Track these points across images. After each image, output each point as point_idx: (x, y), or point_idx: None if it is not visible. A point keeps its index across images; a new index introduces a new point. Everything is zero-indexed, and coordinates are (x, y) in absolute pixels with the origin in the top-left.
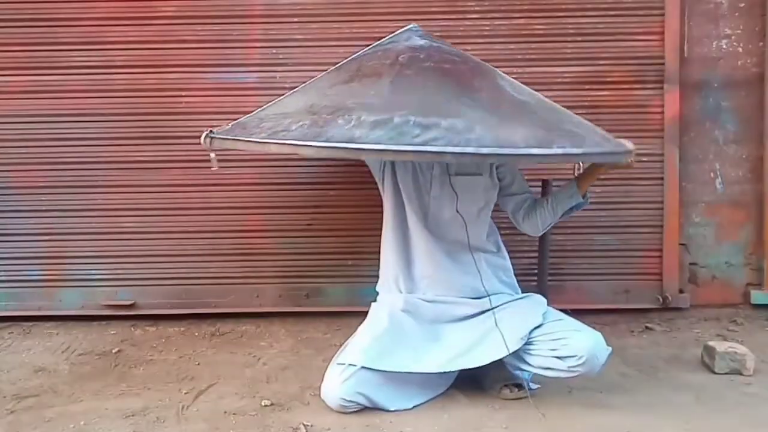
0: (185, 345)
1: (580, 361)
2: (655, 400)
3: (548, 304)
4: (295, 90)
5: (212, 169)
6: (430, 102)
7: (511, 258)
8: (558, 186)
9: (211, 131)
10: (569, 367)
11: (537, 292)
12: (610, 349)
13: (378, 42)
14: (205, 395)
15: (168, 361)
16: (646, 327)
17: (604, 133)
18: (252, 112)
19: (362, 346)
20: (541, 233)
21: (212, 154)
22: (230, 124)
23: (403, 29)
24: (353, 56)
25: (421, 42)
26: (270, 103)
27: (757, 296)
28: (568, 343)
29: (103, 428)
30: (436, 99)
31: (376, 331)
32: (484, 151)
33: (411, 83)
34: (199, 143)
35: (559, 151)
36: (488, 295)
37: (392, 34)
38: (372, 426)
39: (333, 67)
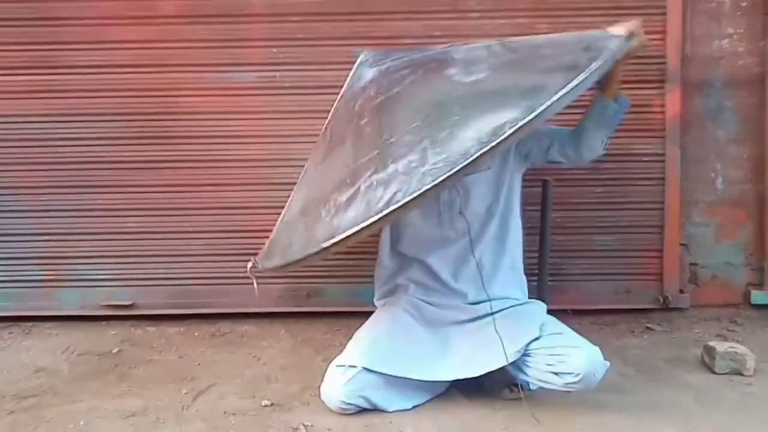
0: (185, 345)
1: (577, 378)
2: (656, 401)
3: (549, 305)
4: (300, 180)
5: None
6: (390, 147)
7: None
8: (557, 186)
9: (254, 262)
10: (566, 383)
11: (537, 293)
12: (608, 364)
13: (342, 90)
14: (205, 395)
15: (168, 362)
16: (647, 327)
17: (588, 40)
18: (252, 112)
19: (363, 347)
20: (603, 149)
21: (255, 283)
22: (267, 245)
23: (356, 64)
24: (329, 117)
25: (370, 73)
26: (289, 203)
27: (758, 296)
28: (566, 360)
29: (103, 428)
30: (395, 138)
31: (377, 332)
32: (459, 165)
33: (367, 136)
34: (200, 143)
35: (559, 94)
36: (489, 300)
37: (350, 74)
38: (372, 426)
39: (319, 135)
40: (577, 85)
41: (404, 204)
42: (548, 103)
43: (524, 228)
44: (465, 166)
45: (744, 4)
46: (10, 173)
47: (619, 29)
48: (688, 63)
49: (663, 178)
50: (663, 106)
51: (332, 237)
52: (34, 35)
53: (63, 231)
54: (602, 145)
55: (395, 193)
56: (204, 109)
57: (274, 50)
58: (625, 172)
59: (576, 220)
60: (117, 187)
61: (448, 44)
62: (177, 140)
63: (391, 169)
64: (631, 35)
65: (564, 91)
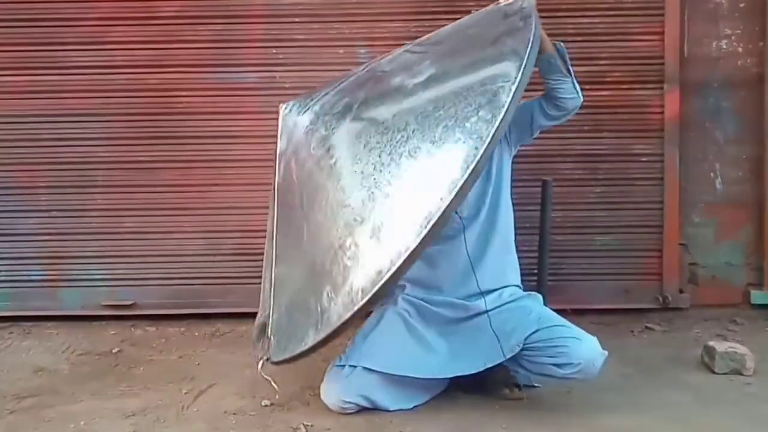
0: (185, 345)
1: (577, 368)
2: (655, 400)
3: (548, 305)
4: (274, 250)
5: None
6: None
7: None
8: (556, 186)
9: (265, 356)
10: (566, 373)
11: (536, 293)
12: (606, 353)
13: (281, 147)
14: (205, 395)
15: (168, 361)
16: (646, 327)
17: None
18: (252, 112)
19: (362, 347)
20: (579, 94)
21: (271, 381)
22: (273, 337)
23: (281, 118)
24: (278, 177)
25: (305, 118)
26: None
27: (757, 296)
28: (566, 352)
29: (103, 428)
30: (345, 195)
31: (376, 332)
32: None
33: (321, 190)
34: (200, 143)
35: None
36: (484, 298)
37: (279, 129)
38: (372, 425)
39: (276, 197)
40: (526, 66)
41: (390, 277)
42: (508, 100)
43: (515, 211)
44: (455, 197)
45: (742, 5)
46: (11, 173)
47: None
48: (687, 63)
49: (662, 179)
50: (662, 106)
51: (350, 308)
52: (34, 36)
53: (63, 231)
54: (574, 88)
55: (352, 256)
56: (204, 110)
57: (274, 51)
58: (625, 172)
59: (575, 220)
60: (117, 187)
61: (364, 66)
62: (178, 140)
63: (351, 241)
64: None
65: (518, 79)
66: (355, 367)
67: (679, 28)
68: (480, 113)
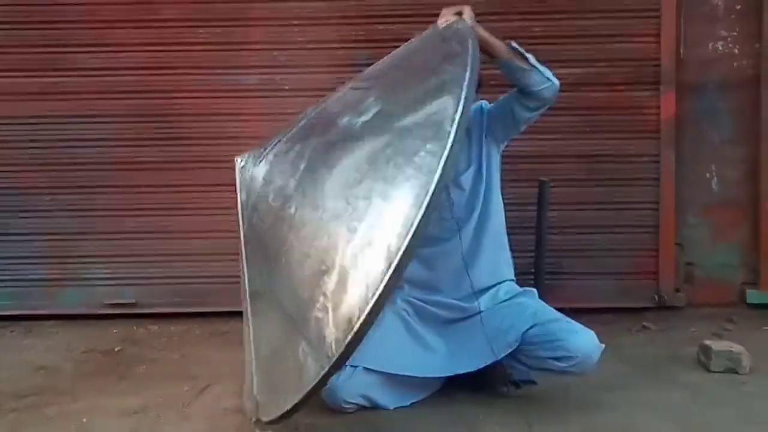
0: (186, 344)
1: (575, 361)
2: (651, 399)
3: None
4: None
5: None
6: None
7: None
8: (553, 186)
9: (256, 419)
10: (565, 367)
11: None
12: (603, 346)
13: (241, 200)
14: (206, 394)
15: (169, 360)
16: (643, 326)
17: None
18: (252, 114)
19: (362, 347)
20: (550, 80)
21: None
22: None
23: (237, 171)
24: (243, 229)
25: (261, 170)
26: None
27: (753, 295)
28: (564, 345)
29: (105, 426)
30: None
31: (375, 332)
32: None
33: (285, 242)
34: (201, 144)
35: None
36: (478, 298)
37: (237, 183)
38: (371, 424)
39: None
40: (467, 92)
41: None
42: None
43: (511, 210)
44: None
45: (738, 6)
46: (14, 174)
47: (449, 19)
48: (683, 65)
49: (658, 179)
50: (658, 107)
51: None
52: (37, 38)
53: (65, 231)
54: (543, 75)
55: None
56: (205, 111)
57: (275, 53)
58: (621, 172)
59: (572, 219)
60: (119, 187)
61: (313, 107)
62: (179, 141)
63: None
64: (460, 14)
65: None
66: (355, 367)
67: (675, 30)
68: (427, 146)
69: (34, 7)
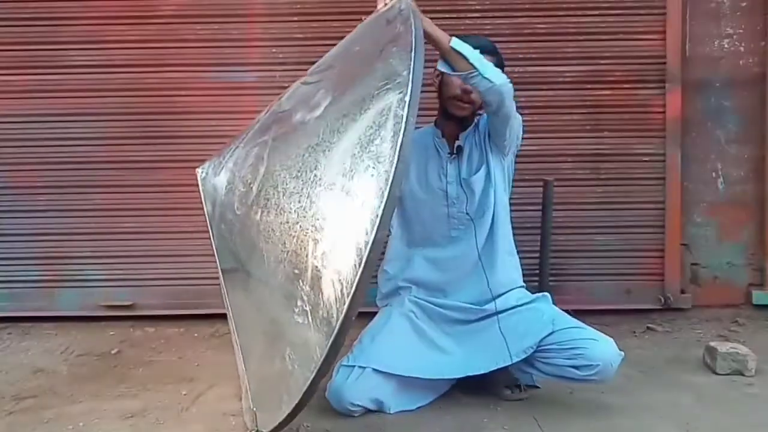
0: (184, 346)
1: (595, 370)
2: (657, 401)
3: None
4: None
5: None
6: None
7: None
8: (558, 186)
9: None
10: (585, 375)
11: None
12: (622, 354)
13: (207, 211)
14: (204, 396)
15: (167, 362)
16: (648, 327)
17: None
18: (251, 111)
19: (371, 349)
20: (494, 83)
21: None
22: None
23: (200, 182)
24: (215, 243)
25: (223, 178)
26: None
27: (759, 297)
28: (584, 353)
29: (102, 429)
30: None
31: (384, 334)
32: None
33: (256, 249)
34: (199, 143)
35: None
36: (494, 299)
37: (202, 195)
38: (373, 427)
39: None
40: (414, 72)
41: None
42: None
43: (516, 211)
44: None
45: (744, 4)
46: (9, 173)
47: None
48: (689, 63)
49: (663, 178)
50: (663, 106)
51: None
52: (33, 34)
53: (62, 231)
54: (486, 78)
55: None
56: (204, 109)
57: (274, 50)
58: (626, 172)
59: (577, 220)
60: (116, 187)
61: (266, 109)
62: (177, 140)
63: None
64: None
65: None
66: (364, 368)
67: (680, 28)
68: (381, 133)
69: (28, 4)
